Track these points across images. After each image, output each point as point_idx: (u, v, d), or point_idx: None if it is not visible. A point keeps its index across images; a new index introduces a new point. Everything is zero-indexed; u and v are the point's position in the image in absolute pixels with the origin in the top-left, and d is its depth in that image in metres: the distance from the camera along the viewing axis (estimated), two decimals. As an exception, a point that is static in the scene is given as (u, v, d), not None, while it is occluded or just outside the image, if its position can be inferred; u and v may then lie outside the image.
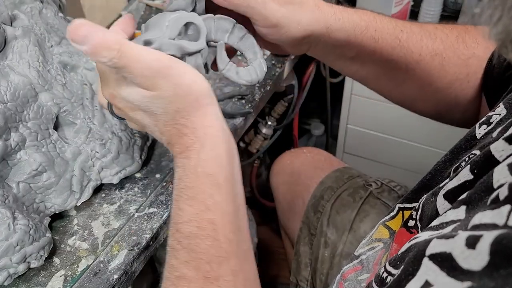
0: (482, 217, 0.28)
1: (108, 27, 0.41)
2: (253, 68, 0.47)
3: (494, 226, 0.26)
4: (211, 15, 0.46)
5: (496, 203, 0.28)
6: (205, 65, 0.47)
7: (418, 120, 1.17)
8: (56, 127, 0.56)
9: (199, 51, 0.44)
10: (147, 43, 0.42)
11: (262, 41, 0.48)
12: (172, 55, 0.42)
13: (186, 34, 0.44)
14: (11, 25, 0.56)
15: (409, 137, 1.22)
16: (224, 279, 0.38)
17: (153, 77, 0.38)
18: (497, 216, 0.27)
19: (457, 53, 0.54)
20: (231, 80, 0.47)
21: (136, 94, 0.40)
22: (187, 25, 0.44)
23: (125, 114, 0.44)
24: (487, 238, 0.24)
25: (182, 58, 0.43)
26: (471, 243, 0.25)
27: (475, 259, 0.25)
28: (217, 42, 0.47)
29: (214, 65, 0.48)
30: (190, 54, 0.43)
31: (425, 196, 0.45)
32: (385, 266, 0.38)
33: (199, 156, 0.39)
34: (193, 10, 0.45)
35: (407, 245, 0.36)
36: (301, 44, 0.49)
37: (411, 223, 0.46)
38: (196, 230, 0.38)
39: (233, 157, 0.42)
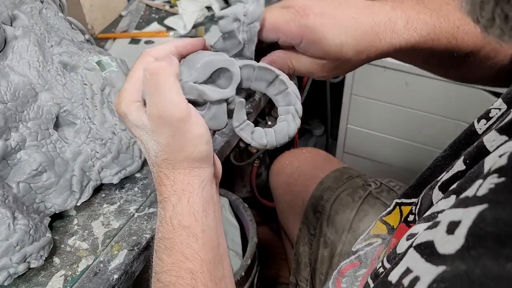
0: (461, 195, 0.28)
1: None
2: (271, 131, 0.44)
3: (465, 198, 0.27)
4: (253, 62, 0.43)
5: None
6: (232, 112, 0.44)
7: (418, 120, 1.17)
8: (56, 127, 0.56)
9: (225, 100, 0.43)
10: None
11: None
12: (194, 100, 0.41)
13: (218, 78, 0.43)
14: (11, 25, 0.56)
15: (409, 137, 1.22)
16: None
17: (160, 118, 0.39)
18: (470, 189, 0.27)
19: None
20: (244, 140, 0.45)
21: (142, 123, 0.41)
22: (222, 69, 0.42)
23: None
24: (466, 223, 0.25)
25: (204, 103, 0.42)
26: (451, 229, 0.26)
27: (452, 244, 0.25)
28: (254, 91, 0.45)
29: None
30: (213, 102, 0.42)
31: (424, 190, 0.45)
32: (382, 261, 0.38)
33: (174, 209, 0.40)
34: (241, 52, 0.44)
35: (404, 244, 0.36)
36: None
37: (411, 217, 0.46)
38: (175, 279, 0.39)
39: (213, 213, 0.42)
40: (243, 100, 0.43)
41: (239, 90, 0.44)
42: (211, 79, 0.42)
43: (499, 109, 0.42)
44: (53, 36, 0.60)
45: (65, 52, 0.60)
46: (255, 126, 0.45)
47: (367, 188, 0.78)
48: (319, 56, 0.44)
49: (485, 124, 0.43)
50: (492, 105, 0.44)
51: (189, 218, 0.40)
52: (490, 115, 0.43)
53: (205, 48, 0.45)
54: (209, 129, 0.42)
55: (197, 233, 0.40)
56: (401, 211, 0.53)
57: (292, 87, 0.44)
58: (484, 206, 0.25)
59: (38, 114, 0.54)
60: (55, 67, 0.57)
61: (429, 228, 0.28)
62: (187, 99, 0.41)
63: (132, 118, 0.41)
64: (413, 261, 0.27)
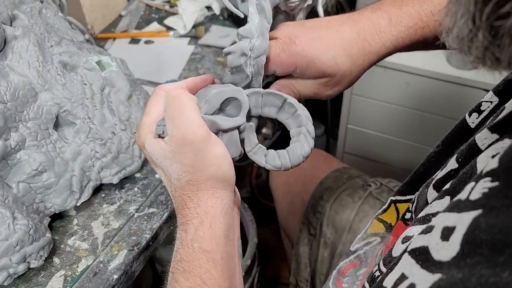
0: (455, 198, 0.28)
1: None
2: (285, 152, 0.45)
3: (458, 202, 0.27)
4: (260, 89, 0.45)
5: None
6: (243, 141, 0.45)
7: (418, 120, 1.17)
8: (56, 127, 0.56)
9: (236, 128, 0.43)
10: None
11: None
12: None
13: (228, 108, 0.44)
14: (11, 25, 0.56)
15: (409, 137, 1.22)
16: None
17: (183, 138, 0.40)
18: (462, 193, 0.27)
19: None
20: (257, 163, 0.46)
21: (160, 148, 0.41)
22: (230, 99, 0.43)
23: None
24: (460, 229, 0.24)
25: (217, 133, 0.43)
26: (446, 235, 0.25)
27: (447, 250, 0.24)
28: (264, 117, 0.46)
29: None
30: (225, 130, 0.43)
31: (420, 188, 0.45)
32: (379, 265, 0.38)
33: (196, 232, 0.40)
34: (249, 85, 0.45)
35: (400, 247, 0.36)
36: None
37: (408, 215, 0.46)
38: None
39: (232, 240, 0.43)
40: (253, 124, 0.44)
41: (250, 118, 0.45)
42: (221, 110, 0.43)
43: (491, 102, 0.42)
44: (53, 36, 0.60)
45: (65, 52, 0.59)
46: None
47: (367, 188, 0.78)
48: (318, 76, 0.45)
49: (477, 118, 0.43)
50: (483, 97, 0.44)
51: (210, 242, 0.40)
52: (482, 108, 0.43)
53: (213, 82, 0.47)
54: None
55: (216, 259, 0.40)
56: (397, 209, 0.53)
57: (302, 109, 0.45)
58: (478, 212, 0.24)
59: (38, 114, 0.53)
60: (55, 67, 0.57)
61: (423, 232, 0.28)
62: None
63: (148, 146, 0.42)
64: (408, 266, 0.27)
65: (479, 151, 0.35)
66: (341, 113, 1.29)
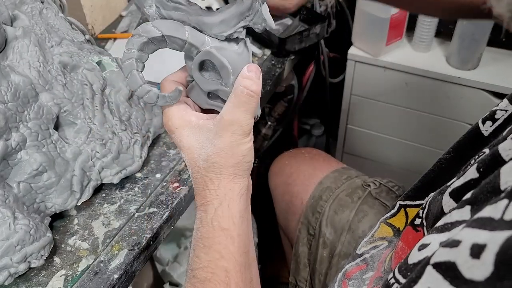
0: (482, 212, 0.27)
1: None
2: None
3: (490, 219, 0.26)
4: None
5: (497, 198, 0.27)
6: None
7: (417, 121, 1.17)
8: (56, 127, 0.56)
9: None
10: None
11: None
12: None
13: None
14: (11, 25, 0.56)
15: (409, 137, 1.23)
16: None
17: (232, 124, 0.42)
18: (493, 210, 0.26)
19: None
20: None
21: (207, 128, 0.43)
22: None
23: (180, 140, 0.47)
24: (492, 248, 0.24)
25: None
26: (476, 252, 0.25)
27: (479, 269, 0.24)
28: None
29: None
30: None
31: (432, 194, 0.45)
32: (394, 272, 0.37)
33: (215, 211, 0.43)
34: None
35: (417, 254, 0.35)
36: None
37: (418, 221, 0.46)
38: (211, 276, 0.42)
39: (247, 221, 0.45)
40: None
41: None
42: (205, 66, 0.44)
43: (505, 110, 0.42)
44: (54, 36, 0.60)
45: (65, 52, 0.60)
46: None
47: (366, 188, 0.78)
48: None
49: (490, 126, 0.43)
50: (498, 105, 0.44)
51: (228, 221, 0.43)
52: (496, 116, 0.43)
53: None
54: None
55: (233, 236, 0.43)
56: (406, 214, 0.52)
57: None
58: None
59: (39, 114, 0.54)
60: (56, 67, 0.58)
61: (448, 246, 0.27)
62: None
63: (202, 123, 0.44)
64: (435, 281, 0.27)
65: (503, 162, 0.34)
66: (341, 113, 1.29)
